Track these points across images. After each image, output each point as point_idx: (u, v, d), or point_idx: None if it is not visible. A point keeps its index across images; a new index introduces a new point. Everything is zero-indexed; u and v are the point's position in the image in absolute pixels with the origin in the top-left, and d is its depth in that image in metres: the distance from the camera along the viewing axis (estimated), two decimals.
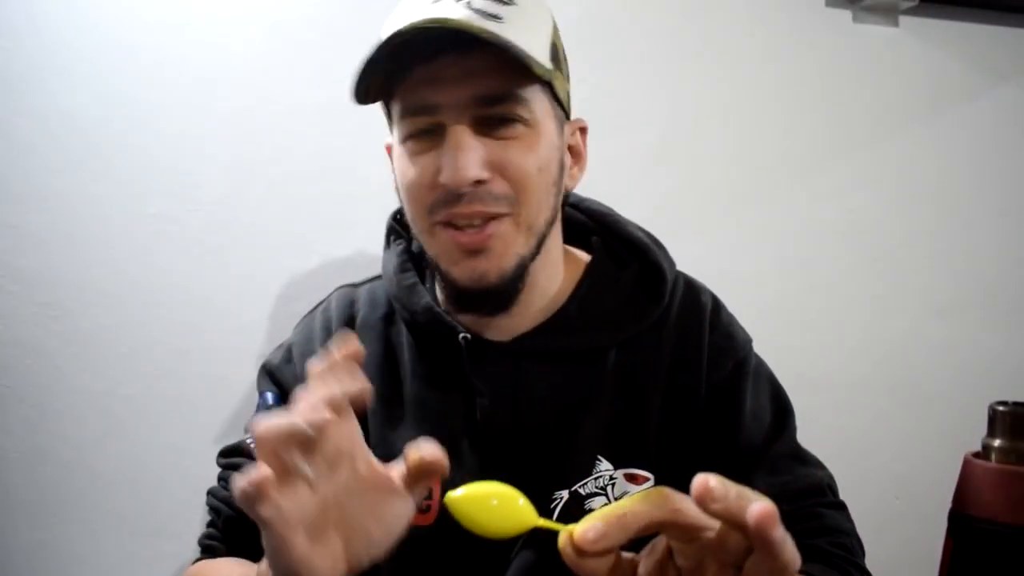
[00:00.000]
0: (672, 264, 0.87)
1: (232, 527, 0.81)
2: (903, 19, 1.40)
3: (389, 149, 0.84)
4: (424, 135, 0.74)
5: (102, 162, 1.13)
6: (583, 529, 0.41)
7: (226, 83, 1.16)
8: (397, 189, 0.82)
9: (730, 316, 0.87)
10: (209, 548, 0.82)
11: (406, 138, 0.76)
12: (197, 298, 1.15)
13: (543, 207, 0.77)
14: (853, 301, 1.40)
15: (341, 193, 1.19)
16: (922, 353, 1.43)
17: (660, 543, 0.45)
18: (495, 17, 0.70)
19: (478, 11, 0.70)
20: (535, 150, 0.75)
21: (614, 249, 0.89)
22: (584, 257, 0.88)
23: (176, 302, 1.14)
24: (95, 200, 1.13)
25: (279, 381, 0.87)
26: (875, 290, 1.41)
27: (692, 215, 1.33)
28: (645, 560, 0.46)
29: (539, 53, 0.73)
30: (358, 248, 1.19)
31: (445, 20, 0.68)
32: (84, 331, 1.12)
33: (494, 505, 0.46)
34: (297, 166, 1.18)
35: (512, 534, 0.47)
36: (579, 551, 0.41)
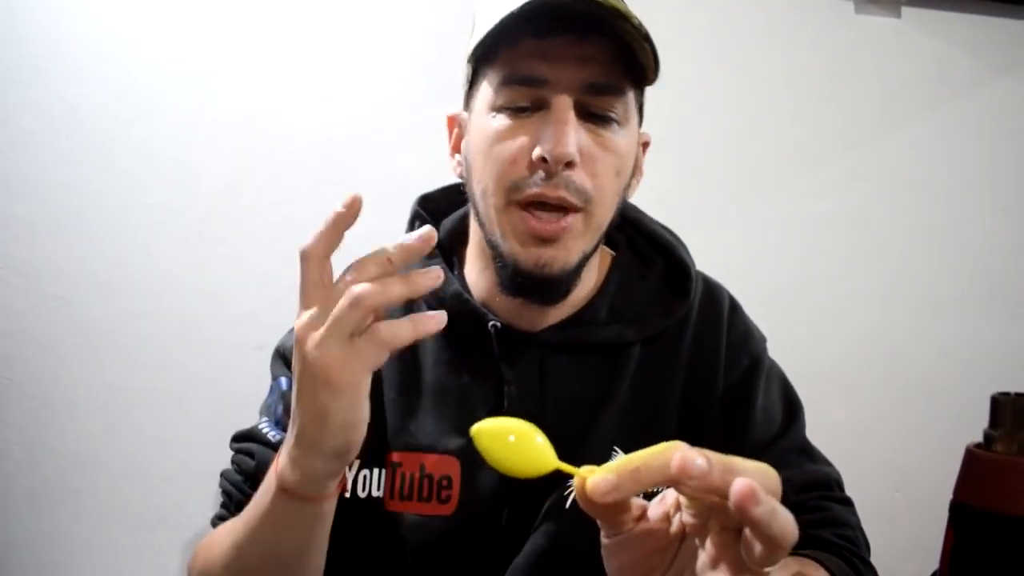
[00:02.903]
0: (693, 261, 0.87)
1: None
2: (905, 10, 1.40)
3: (452, 121, 0.83)
4: (522, 110, 0.73)
5: (102, 154, 1.12)
6: (596, 480, 0.43)
7: (225, 75, 1.16)
8: (464, 160, 0.80)
9: (746, 315, 0.88)
10: None
11: (501, 108, 0.74)
12: (197, 289, 1.15)
13: (610, 210, 0.77)
14: (855, 294, 1.40)
15: (341, 183, 1.19)
16: (924, 346, 1.43)
17: (670, 495, 0.47)
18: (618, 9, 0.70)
19: None
20: (619, 153, 0.75)
21: (637, 245, 0.89)
22: (608, 252, 0.89)
23: (176, 293, 1.14)
24: (95, 191, 1.12)
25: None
26: (877, 283, 1.41)
27: (693, 207, 1.32)
28: (653, 508, 0.47)
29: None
30: (358, 238, 1.19)
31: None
32: (85, 322, 1.12)
33: (512, 441, 0.47)
34: (296, 157, 1.18)
35: (531, 474, 0.48)
36: (590, 499, 0.43)
